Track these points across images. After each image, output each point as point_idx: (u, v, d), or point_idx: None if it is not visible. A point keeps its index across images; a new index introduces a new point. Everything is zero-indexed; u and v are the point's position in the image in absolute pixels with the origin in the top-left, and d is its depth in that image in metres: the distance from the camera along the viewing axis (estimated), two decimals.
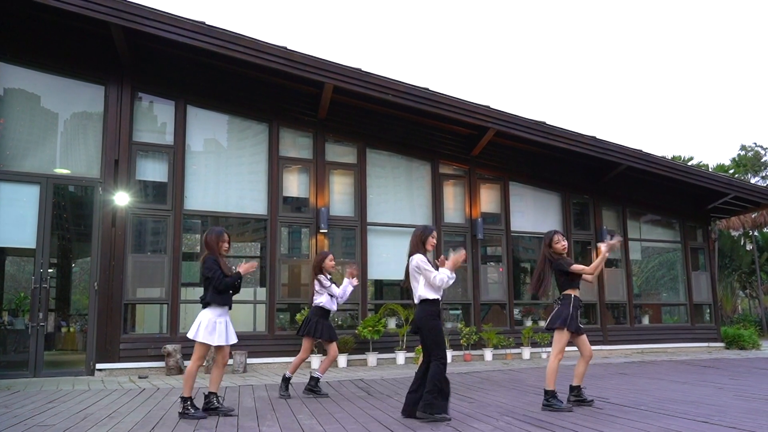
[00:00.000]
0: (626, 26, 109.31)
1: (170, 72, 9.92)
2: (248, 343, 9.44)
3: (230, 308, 5.43)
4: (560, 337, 5.37)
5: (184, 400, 5.14)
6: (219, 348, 5.31)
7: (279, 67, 9.36)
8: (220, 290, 5.24)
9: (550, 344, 11.43)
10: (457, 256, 4.93)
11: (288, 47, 9.30)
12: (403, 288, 13.02)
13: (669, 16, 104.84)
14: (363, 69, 9.79)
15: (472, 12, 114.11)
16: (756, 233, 23.45)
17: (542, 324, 12.18)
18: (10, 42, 9.01)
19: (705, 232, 14.36)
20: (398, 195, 11.48)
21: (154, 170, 9.68)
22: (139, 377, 8.49)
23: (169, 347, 8.84)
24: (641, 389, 6.79)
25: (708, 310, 14.12)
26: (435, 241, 5.16)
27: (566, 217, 12.69)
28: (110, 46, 9.07)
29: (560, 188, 12.78)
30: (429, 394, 4.73)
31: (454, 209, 11.78)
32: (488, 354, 10.96)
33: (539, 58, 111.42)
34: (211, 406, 5.30)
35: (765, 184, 29.32)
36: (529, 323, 11.96)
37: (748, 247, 23.04)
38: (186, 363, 9.04)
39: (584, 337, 5.49)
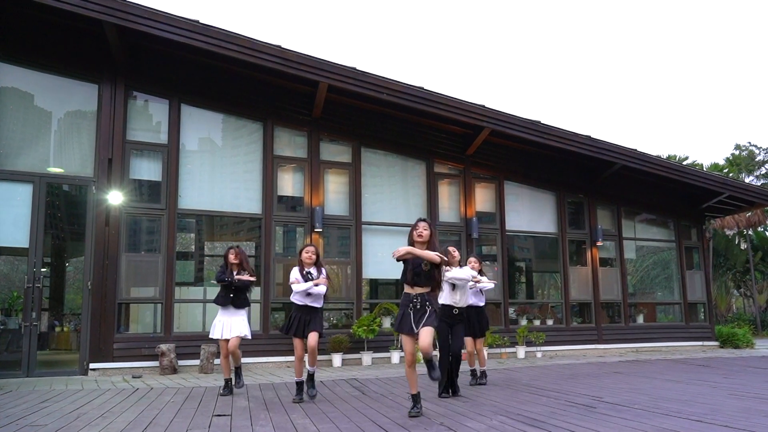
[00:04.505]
0: (622, 25, 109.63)
1: (164, 71, 9.88)
2: (243, 343, 9.37)
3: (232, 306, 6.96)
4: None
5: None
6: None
7: (274, 66, 9.34)
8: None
9: (544, 343, 11.54)
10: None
11: (283, 46, 9.28)
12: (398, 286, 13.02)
13: (665, 15, 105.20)
14: (358, 68, 9.78)
15: (468, 11, 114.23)
16: (750, 232, 23.53)
17: (537, 323, 12.21)
18: (3, 40, 8.95)
19: (699, 231, 14.41)
20: (393, 194, 11.47)
21: (148, 169, 9.64)
22: (133, 377, 8.45)
23: (163, 347, 8.81)
24: (636, 388, 6.80)
25: (702, 309, 14.17)
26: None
27: (561, 216, 12.71)
28: (104, 44, 9.03)
29: (555, 187, 12.80)
30: None
31: (449, 208, 11.78)
32: (483, 353, 10.93)
33: (535, 58, 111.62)
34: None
35: (759, 184, 29.42)
36: (524, 322, 11.96)
37: (743, 246, 23.13)
38: (180, 362, 9.01)
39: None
